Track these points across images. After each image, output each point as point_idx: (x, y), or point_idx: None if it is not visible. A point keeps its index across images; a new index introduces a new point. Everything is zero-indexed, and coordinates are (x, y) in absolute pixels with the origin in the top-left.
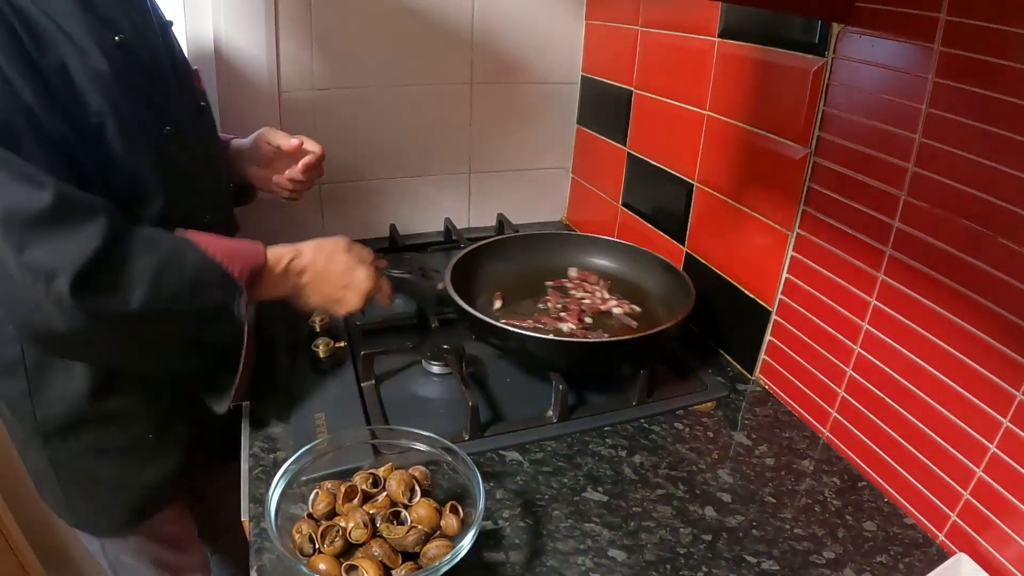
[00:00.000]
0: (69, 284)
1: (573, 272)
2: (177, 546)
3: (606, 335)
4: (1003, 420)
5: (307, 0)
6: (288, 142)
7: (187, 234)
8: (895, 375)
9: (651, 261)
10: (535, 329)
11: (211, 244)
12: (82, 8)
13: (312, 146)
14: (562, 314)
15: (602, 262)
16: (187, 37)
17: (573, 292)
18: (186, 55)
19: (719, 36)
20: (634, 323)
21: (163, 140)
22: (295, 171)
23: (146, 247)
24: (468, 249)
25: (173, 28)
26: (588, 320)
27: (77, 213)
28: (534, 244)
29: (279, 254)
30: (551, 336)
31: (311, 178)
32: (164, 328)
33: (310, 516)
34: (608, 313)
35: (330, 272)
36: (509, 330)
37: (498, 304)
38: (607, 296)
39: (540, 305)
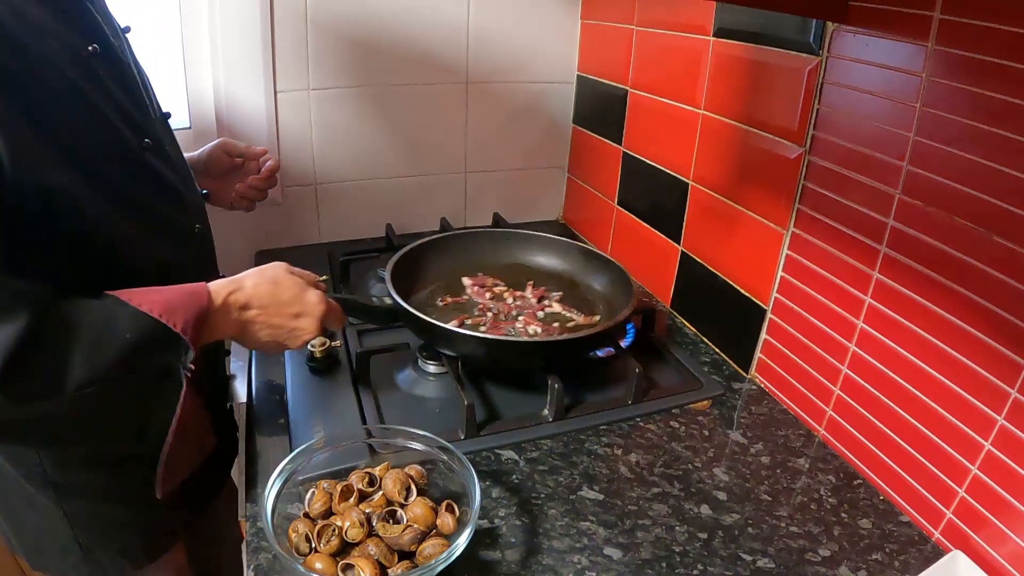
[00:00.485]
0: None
1: (467, 281)
2: None
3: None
4: (998, 417)
5: (303, 0)
6: (252, 148)
7: (121, 294)
8: (890, 373)
9: (587, 257)
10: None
11: (147, 300)
12: (55, 19)
13: (269, 154)
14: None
15: (543, 260)
16: (184, 33)
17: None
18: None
19: (714, 35)
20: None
21: (143, 154)
22: (258, 177)
23: (75, 321)
24: (406, 249)
25: (129, 34)
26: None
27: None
28: (470, 242)
29: (216, 290)
30: (488, 335)
31: (269, 186)
32: (105, 402)
33: (306, 515)
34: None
35: (278, 300)
36: (455, 331)
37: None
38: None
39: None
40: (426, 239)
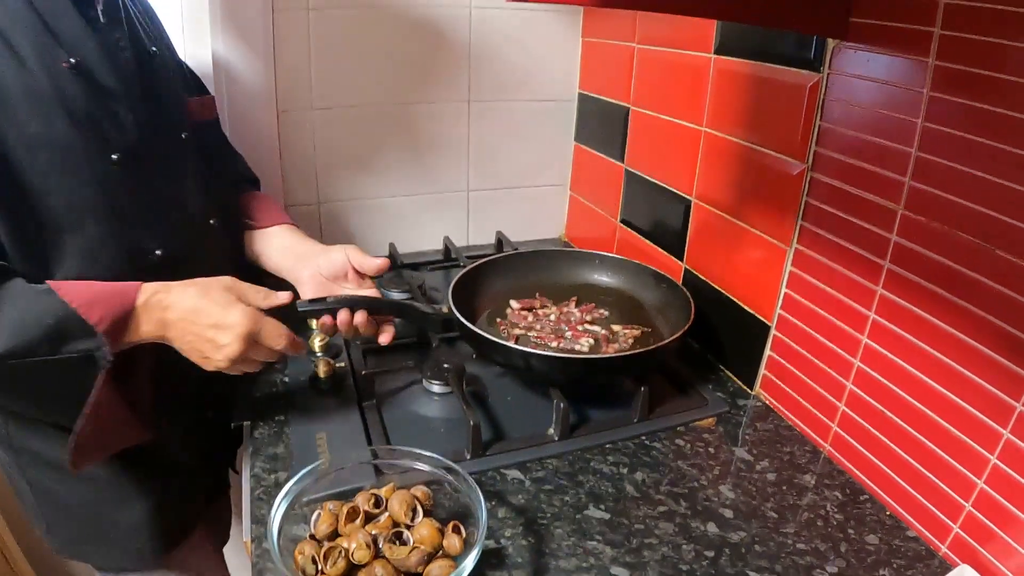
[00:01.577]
0: None
1: (514, 304)
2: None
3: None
4: (1003, 431)
5: (305, 20)
6: (373, 265)
7: (55, 284)
8: (895, 388)
9: (649, 275)
10: (548, 348)
11: (74, 292)
12: (40, 27)
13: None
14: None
15: (602, 278)
16: (185, 61)
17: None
18: (181, 82)
19: (715, 52)
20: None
21: (108, 168)
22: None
23: (5, 302)
24: (468, 268)
25: (158, 57)
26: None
27: None
28: (532, 261)
29: (145, 288)
30: (559, 354)
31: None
32: (32, 379)
33: (312, 537)
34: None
35: (198, 309)
36: (515, 348)
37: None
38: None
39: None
40: (483, 259)
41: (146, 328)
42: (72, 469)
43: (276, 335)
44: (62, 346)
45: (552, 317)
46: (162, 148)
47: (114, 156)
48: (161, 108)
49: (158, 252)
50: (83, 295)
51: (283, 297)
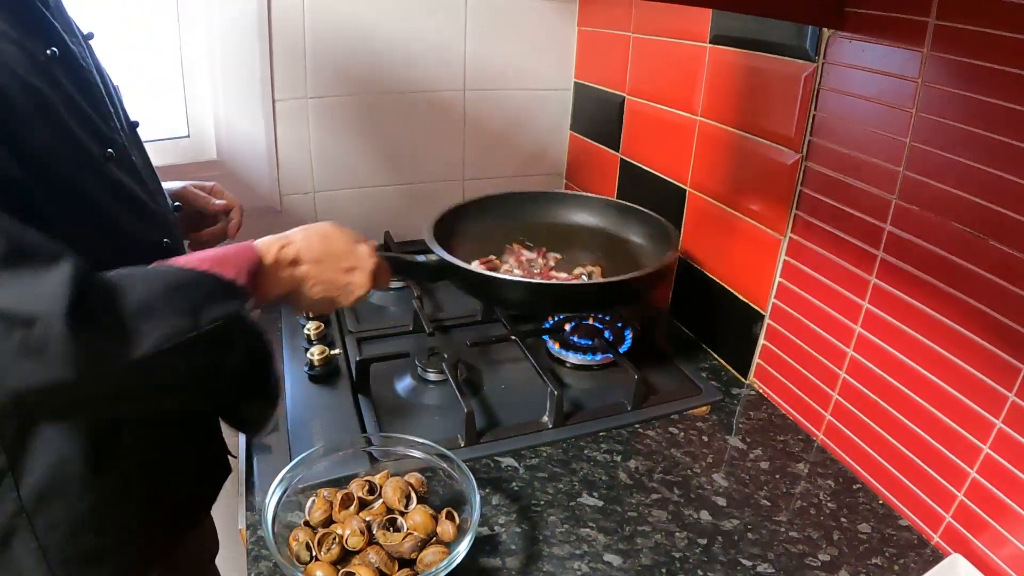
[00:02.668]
0: (63, 328)
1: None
2: None
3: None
4: (996, 421)
5: (300, 8)
6: (212, 205)
7: (158, 263)
8: (888, 378)
9: (637, 216)
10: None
11: (191, 260)
12: (9, 20)
13: (232, 203)
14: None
15: (590, 219)
16: (181, 42)
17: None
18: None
19: (710, 42)
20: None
21: (106, 166)
22: (212, 232)
23: (123, 284)
24: (449, 208)
25: (92, 40)
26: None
27: (32, 251)
28: (518, 202)
29: (266, 246)
30: (541, 280)
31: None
32: (176, 365)
33: (307, 524)
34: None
35: (330, 254)
36: (506, 280)
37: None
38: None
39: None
40: (463, 201)
41: (276, 287)
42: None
43: (387, 273)
44: (205, 317)
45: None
46: (130, 139)
47: (108, 151)
48: (116, 94)
49: (166, 242)
50: (205, 259)
51: (373, 242)
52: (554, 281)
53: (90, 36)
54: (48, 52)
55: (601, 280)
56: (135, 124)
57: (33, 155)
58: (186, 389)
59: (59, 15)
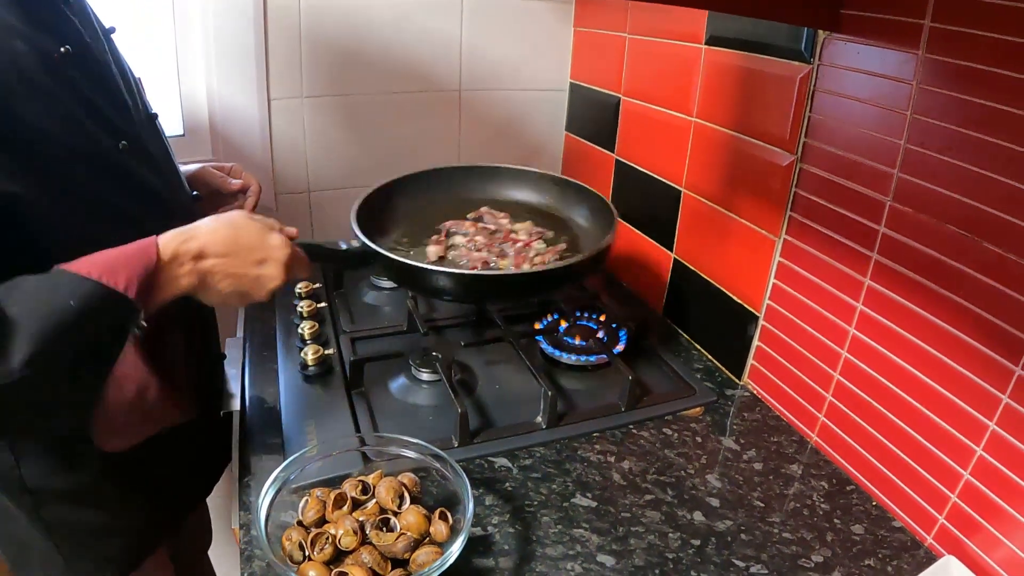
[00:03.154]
0: None
1: (483, 210)
2: None
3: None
4: (989, 423)
5: (296, 7)
6: (229, 185)
7: (66, 264)
8: (882, 379)
9: (577, 192)
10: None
11: (87, 263)
12: (26, 18)
13: (251, 182)
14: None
15: (527, 196)
16: (177, 40)
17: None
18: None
19: (706, 43)
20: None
21: (120, 157)
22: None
23: (14, 295)
24: (372, 189)
25: (114, 35)
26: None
27: None
28: (443, 179)
29: (167, 242)
30: (470, 271)
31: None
32: (65, 376)
33: (300, 524)
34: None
35: (239, 246)
36: (426, 268)
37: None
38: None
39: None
40: (391, 179)
41: (178, 285)
42: (103, 446)
43: (303, 262)
44: (92, 325)
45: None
46: (147, 129)
47: (123, 143)
48: (136, 87)
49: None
50: (99, 263)
51: (293, 230)
52: (480, 272)
53: (112, 30)
54: (62, 50)
55: (537, 268)
56: (154, 116)
57: (42, 149)
58: (64, 404)
59: (79, 10)
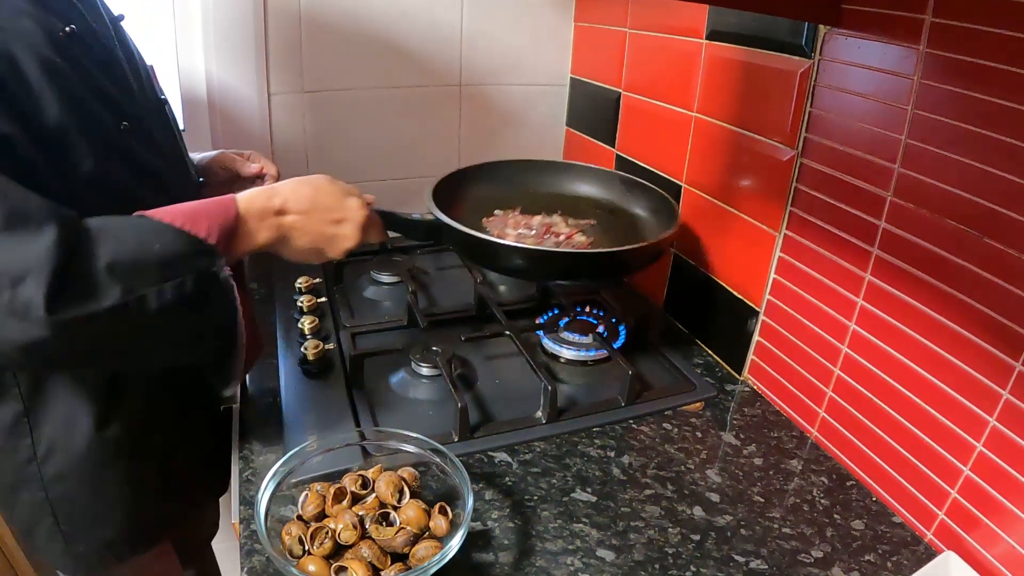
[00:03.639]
0: (44, 291)
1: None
2: None
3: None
4: (989, 418)
5: (296, 2)
6: (247, 169)
7: (146, 212)
8: (882, 375)
9: (639, 189)
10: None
11: (170, 212)
12: (36, 1)
13: (269, 168)
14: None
15: (591, 190)
16: (177, 35)
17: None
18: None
19: (707, 38)
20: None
21: (121, 137)
22: None
23: (102, 238)
24: (450, 173)
25: (124, 23)
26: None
27: (28, 215)
28: (521, 169)
29: (251, 198)
30: (543, 247)
31: None
32: (150, 319)
33: (299, 518)
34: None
35: (318, 206)
36: (500, 243)
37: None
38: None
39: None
40: (465, 168)
41: (260, 237)
42: (229, 390)
43: (379, 226)
44: (177, 271)
45: (535, 226)
46: (153, 114)
47: (124, 124)
48: (144, 73)
49: None
50: (181, 212)
51: (371, 196)
52: (550, 248)
53: (120, 18)
54: (67, 29)
55: (601, 250)
56: (164, 101)
57: (44, 123)
58: (164, 343)
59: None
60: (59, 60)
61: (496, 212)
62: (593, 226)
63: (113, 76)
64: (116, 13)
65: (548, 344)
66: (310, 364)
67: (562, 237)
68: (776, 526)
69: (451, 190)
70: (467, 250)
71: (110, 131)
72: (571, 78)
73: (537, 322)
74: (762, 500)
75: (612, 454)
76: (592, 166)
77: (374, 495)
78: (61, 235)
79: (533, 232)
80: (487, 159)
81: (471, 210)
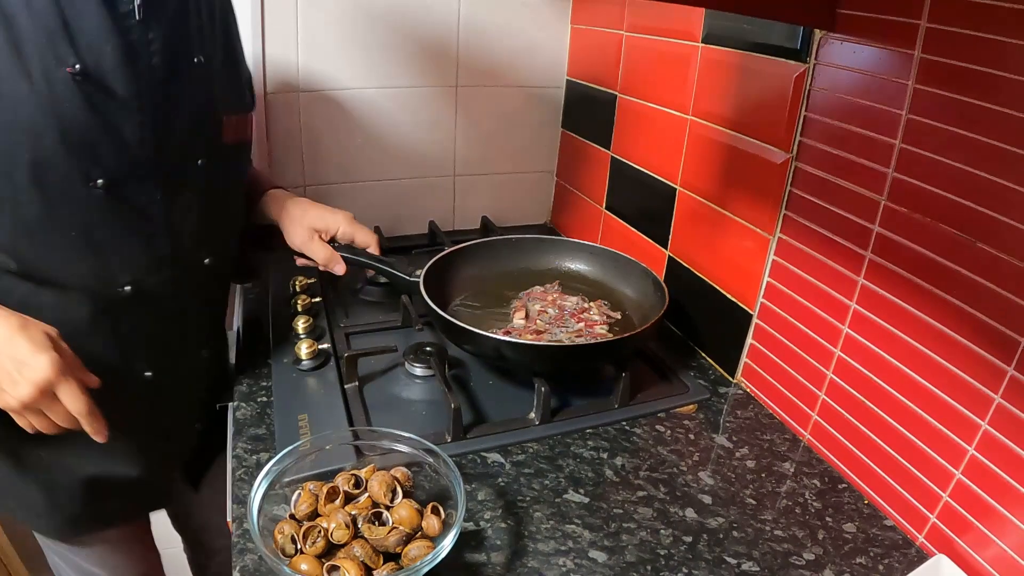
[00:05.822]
0: None
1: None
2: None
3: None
4: (981, 422)
5: (293, 2)
6: (324, 260)
7: None
8: (875, 378)
9: (630, 266)
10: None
11: None
12: (57, 25)
13: (339, 269)
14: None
15: (582, 266)
16: None
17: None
18: (231, 100)
19: (703, 41)
20: (606, 330)
21: (88, 191)
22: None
23: None
24: (445, 252)
25: (202, 67)
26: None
27: None
28: (513, 248)
29: None
30: (519, 340)
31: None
32: None
33: (292, 517)
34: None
35: (10, 340)
36: (479, 334)
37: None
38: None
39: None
40: (458, 246)
41: None
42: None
43: (75, 398)
44: None
45: (549, 309)
46: (168, 172)
47: (99, 181)
48: (180, 127)
49: (127, 288)
50: None
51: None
52: (515, 340)
53: (198, 63)
54: (75, 67)
55: (589, 341)
56: (201, 165)
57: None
58: None
59: (142, 28)
60: (46, 101)
61: (536, 287)
62: (620, 320)
63: (116, 123)
64: (196, 56)
65: None
66: (304, 363)
67: (582, 324)
68: (768, 528)
69: (444, 267)
70: (447, 334)
71: (75, 186)
72: (567, 80)
73: None
74: (754, 502)
75: (605, 455)
76: (587, 243)
77: (367, 495)
78: None
79: (554, 313)
80: (483, 160)
81: (476, 289)
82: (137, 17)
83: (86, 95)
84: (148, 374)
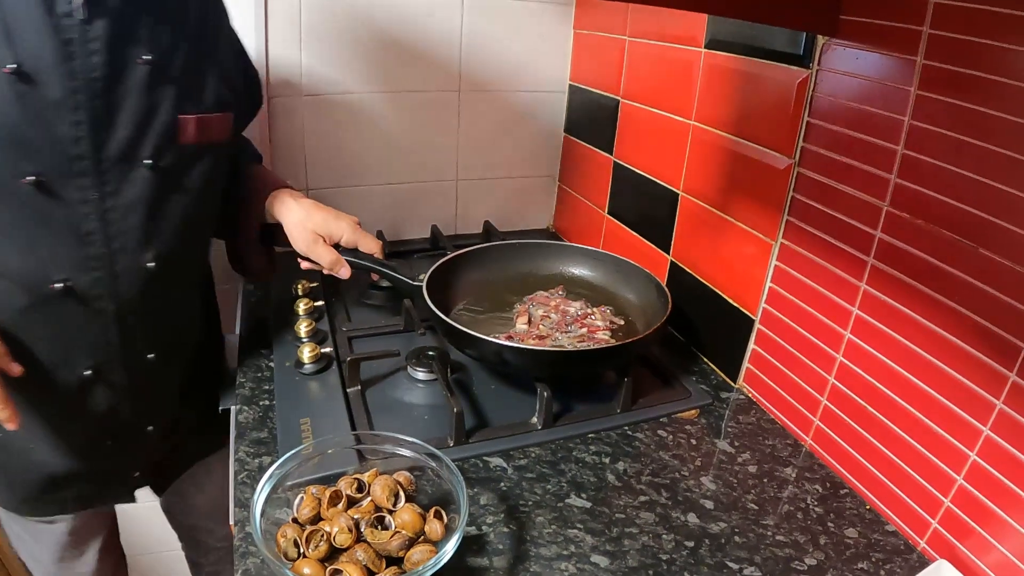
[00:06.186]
0: None
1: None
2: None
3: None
4: (983, 428)
5: (296, 6)
6: (328, 264)
7: None
8: (877, 384)
9: (633, 272)
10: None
11: None
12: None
13: (344, 273)
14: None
15: (584, 272)
16: None
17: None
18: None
19: (705, 47)
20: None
21: (19, 188)
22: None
23: None
24: (448, 257)
25: (153, 68)
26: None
27: None
28: (515, 253)
29: None
30: (521, 344)
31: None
32: None
33: (295, 521)
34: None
35: None
36: (481, 339)
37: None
38: (588, 309)
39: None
40: (461, 251)
41: None
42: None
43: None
44: None
45: (553, 315)
46: (107, 171)
47: (29, 178)
48: (122, 127)
49: (58, 285)
50: None
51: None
52: (512, 344)
53: (146, 62)
54: (9, 66)
55: (591, 346)
56: (148, 164)
57: None
58: None
59: (84, 28)
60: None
61: (539, 292)
62: (623, 326)
63: (52, 122)
64: (143, 55)
65: None
66: (306, 367)
67: (584, 329)
68: (770, 533)
69: (448, 272)
70: (450, 339)
71: (5, 182)
72: (570, 85)
73: None
74: (756, 507)
75: (607, 460)
76: (590, 248)
77: (369, 499)
78: None
79: (557, 318)
80: (485, 165)
81: (479, 294)
82: (81, 16)
83: (19, 94)
84: (87, 372)
